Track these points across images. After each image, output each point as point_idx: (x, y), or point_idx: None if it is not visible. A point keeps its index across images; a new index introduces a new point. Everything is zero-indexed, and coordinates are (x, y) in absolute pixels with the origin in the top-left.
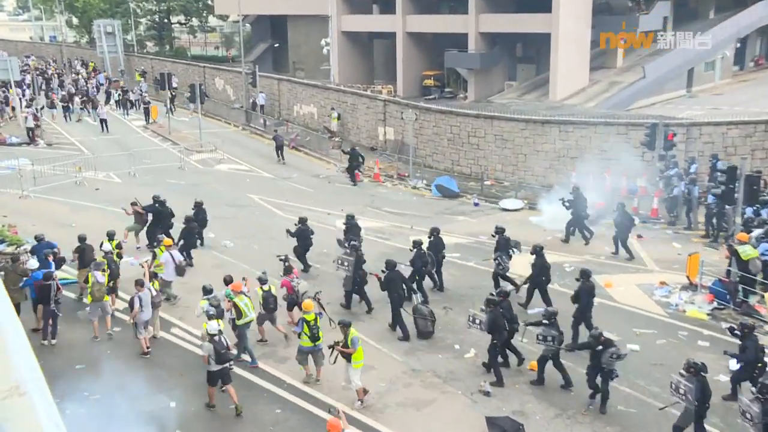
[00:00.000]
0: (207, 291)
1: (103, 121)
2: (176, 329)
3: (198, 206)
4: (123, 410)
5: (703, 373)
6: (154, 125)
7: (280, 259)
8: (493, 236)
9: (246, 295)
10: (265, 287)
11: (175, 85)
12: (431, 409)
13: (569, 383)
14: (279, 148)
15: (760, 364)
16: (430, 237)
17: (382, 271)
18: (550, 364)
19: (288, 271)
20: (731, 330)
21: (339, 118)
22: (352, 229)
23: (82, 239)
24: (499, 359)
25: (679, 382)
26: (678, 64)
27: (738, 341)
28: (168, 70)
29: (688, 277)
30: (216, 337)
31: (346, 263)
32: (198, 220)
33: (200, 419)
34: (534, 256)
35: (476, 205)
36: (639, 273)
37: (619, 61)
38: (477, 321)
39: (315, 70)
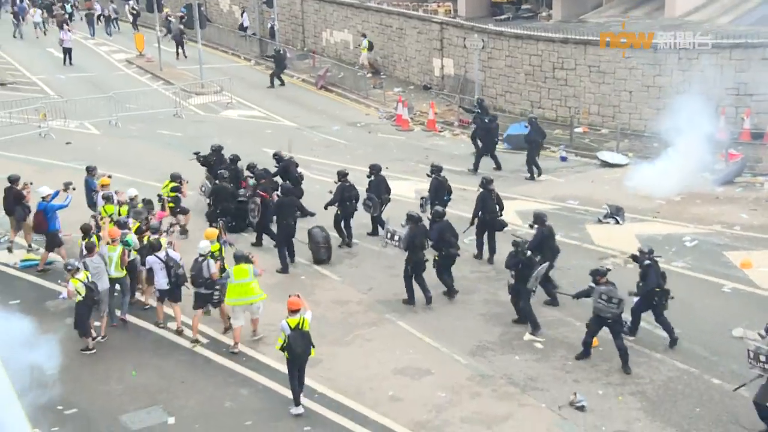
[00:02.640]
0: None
1: (66, 51)
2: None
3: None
4: (106, 428)
5: None
6: (141, 59)
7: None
8: (428, 176)
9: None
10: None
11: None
12: (506, 427)
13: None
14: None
15: (658, 289)
16: (369, 176)
17: (278, 195)
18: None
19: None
20: (634, 258)
21: (371, 48)
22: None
23: None
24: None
25: (759, 349)
26: None
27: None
28: None
29: None
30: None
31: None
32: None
33: None
34: (480, 189)
35: (563, 159)
36: None
37: None
38: (396, 237)
39: None
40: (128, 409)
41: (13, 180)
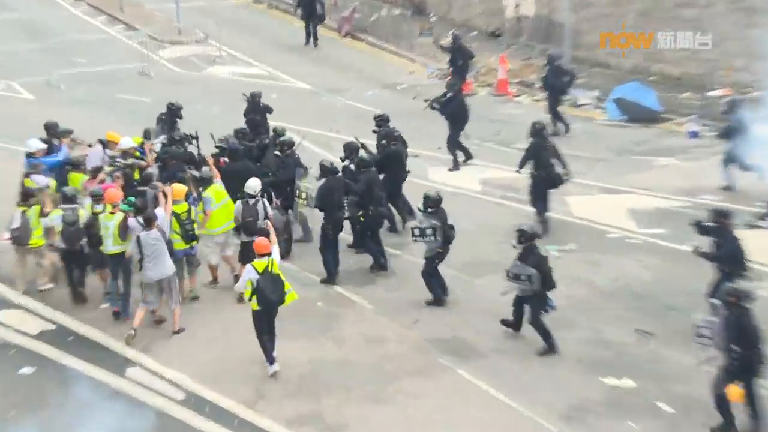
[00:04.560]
0: None
1: None
2: None
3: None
4: None
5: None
6: None
7: None
8: (374, 132)
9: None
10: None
11: None
12: None
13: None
14: None
15: None
16: (344, 159)
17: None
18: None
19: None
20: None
21: None
22: None
23: None
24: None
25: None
26: None
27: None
28: None
29: None
30: None
31: None
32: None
33: None
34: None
35: (693, 135)
36: None
37: None
38: (303, 196)
39: None
40: None
41: None
